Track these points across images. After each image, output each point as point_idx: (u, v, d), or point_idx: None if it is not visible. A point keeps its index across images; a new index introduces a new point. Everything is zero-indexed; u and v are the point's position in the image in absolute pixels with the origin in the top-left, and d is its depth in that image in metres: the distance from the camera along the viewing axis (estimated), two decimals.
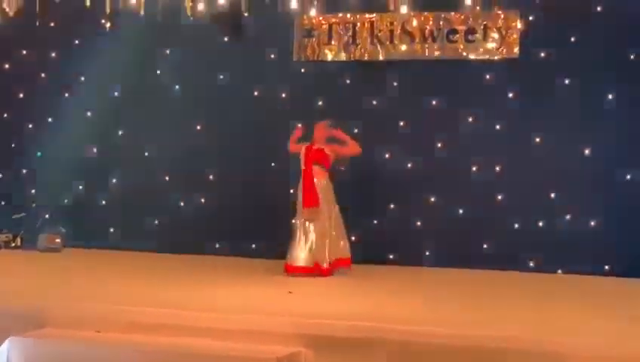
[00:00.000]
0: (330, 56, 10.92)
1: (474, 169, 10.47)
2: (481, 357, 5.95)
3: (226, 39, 11.20)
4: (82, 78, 11.68)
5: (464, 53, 10.53)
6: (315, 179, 9.50)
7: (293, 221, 9.61)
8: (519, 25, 10.26)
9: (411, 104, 10.66)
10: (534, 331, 6.42)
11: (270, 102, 11.04)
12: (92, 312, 6.89)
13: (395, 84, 10.76)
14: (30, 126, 11.88)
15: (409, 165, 10.67)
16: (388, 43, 10.71)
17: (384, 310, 7.30)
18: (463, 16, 10.45)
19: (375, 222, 10.70)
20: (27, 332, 6.55)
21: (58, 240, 11.12)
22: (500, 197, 10.39)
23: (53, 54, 11.81)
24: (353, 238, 10.18)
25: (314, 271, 9.32)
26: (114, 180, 11.56)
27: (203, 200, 11.24)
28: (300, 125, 9.73)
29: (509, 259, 10.10)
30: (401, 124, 10.70)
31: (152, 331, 6.55)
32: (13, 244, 11.36)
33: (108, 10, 9.09)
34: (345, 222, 9.69)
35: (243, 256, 10.63)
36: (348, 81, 10.90)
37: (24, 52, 11.91)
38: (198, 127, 11.28)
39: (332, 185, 9.61)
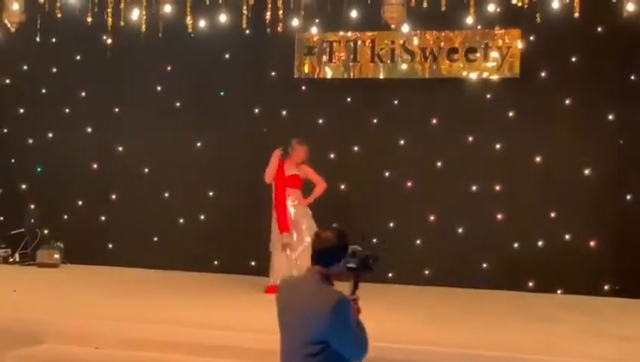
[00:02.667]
0: (330, 74, 10.93)
1: (474, 188, 10.47)
2: None
3: (227, 56, 11.21)
4: (83, 94, 11.70)
5: (464, 73, 10.54)
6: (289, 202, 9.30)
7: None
8: (520, 44, 10.27)
9: (411, 123, 10.67)
10: (535, 352, 6.40)
11: (271, 120, 11.04)
12: (91, 328, 6.87)
13: (396, 102, 10.77)
14: (30, 141, 11.87)
15: (409, 184, 10.67)
16: (388, 61, 10.72)
17: (383, 329, 7.27)
18: (463, 36, 10.47)
19: (374, 240, 10.63)
20: (26, 348, 6.53)
21: (56, 256, 11.07)
22: (499, 216, 10.38)
23: (54, 69, 11.81)
24: None
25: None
26: (113, 197, 11.55)
27: (203, 217, 11.22)
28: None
29: (508, 278, 10.08)
30: (401, 142, 10.71)
31: (151, 347, 6.53)
32: (11, 259, 11.33)
33: (109, 27, 9.15)
34: None
35: (242, 273, 10.57)
36: (348, 100, 10.91)
37: (25, 67, 11.92)
38: (199, 144, 11.28)
39: (308, 210, 9.34)
